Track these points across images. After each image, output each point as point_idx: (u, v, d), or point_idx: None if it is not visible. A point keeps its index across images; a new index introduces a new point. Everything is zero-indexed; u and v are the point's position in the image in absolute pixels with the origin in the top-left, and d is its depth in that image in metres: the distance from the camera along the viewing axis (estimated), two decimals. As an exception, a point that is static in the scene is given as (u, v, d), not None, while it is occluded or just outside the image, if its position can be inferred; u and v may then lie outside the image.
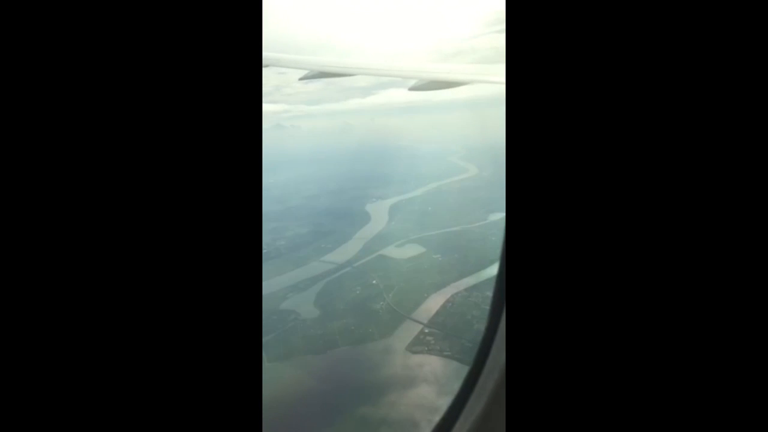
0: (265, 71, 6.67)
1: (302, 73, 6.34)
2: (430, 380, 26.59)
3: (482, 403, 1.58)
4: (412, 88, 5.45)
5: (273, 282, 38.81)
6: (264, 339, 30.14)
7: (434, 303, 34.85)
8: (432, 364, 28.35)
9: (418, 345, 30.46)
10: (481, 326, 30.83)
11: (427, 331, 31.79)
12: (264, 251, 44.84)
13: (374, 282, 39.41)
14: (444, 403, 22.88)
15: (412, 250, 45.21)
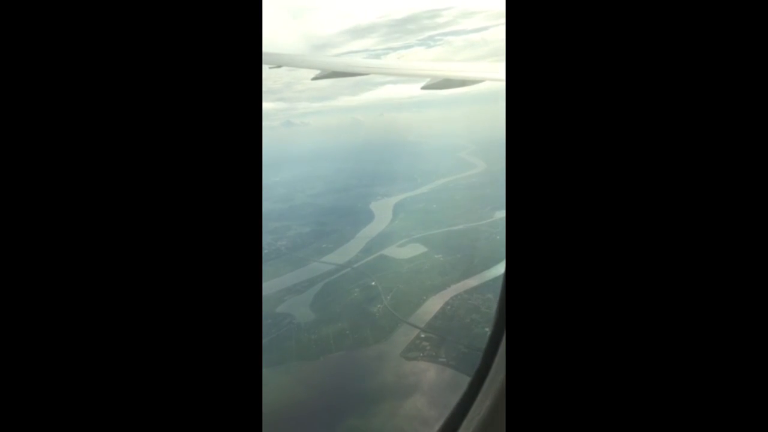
0: (276, 69, 6.93)
1: (314, 71, 6.50)
2: (423, 390, 25.66)
3: (486, 406, 1.56)
4: (425, 87, 5.43)
5: (270, 284, 38.20)
6: (255, 345, 29.52)
7: (433, 306, 33.86)
8: (426, 371, 27.41)
9: (413, 351, 29.52)
10: (480, 330, 30.17)
11: (423, 336, 30.82)
12: (264, 252, 44.32)
13: (373, 284, 38.53)
14: (435, 414, 22.02)
15: (413, 250, 44.22)
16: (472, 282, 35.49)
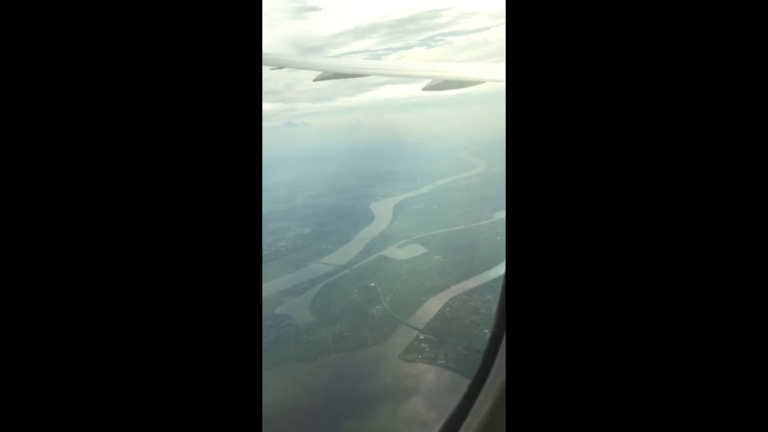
0: (277, 70, 6.97)
1: (315, 72, 6.50)
2: (422, 392, 25.56)
3: (485, 408, 1.56)
4: (426, 88, 5.42)
5: (269, 285, 38.11)
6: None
7: (432, 307, 33.78)
8: (425, 373, 27.33)
9: (411, 352, 29.44)
10: (479, 332, 30.05)
11: (422, 337, 30.76)
12: (264, 253, 44.24)
13: (372, 285, 38.44)
14: (434, 416, 21.96)
15: (413, 251, 44.16)
16: (472, 283, 35.41)
